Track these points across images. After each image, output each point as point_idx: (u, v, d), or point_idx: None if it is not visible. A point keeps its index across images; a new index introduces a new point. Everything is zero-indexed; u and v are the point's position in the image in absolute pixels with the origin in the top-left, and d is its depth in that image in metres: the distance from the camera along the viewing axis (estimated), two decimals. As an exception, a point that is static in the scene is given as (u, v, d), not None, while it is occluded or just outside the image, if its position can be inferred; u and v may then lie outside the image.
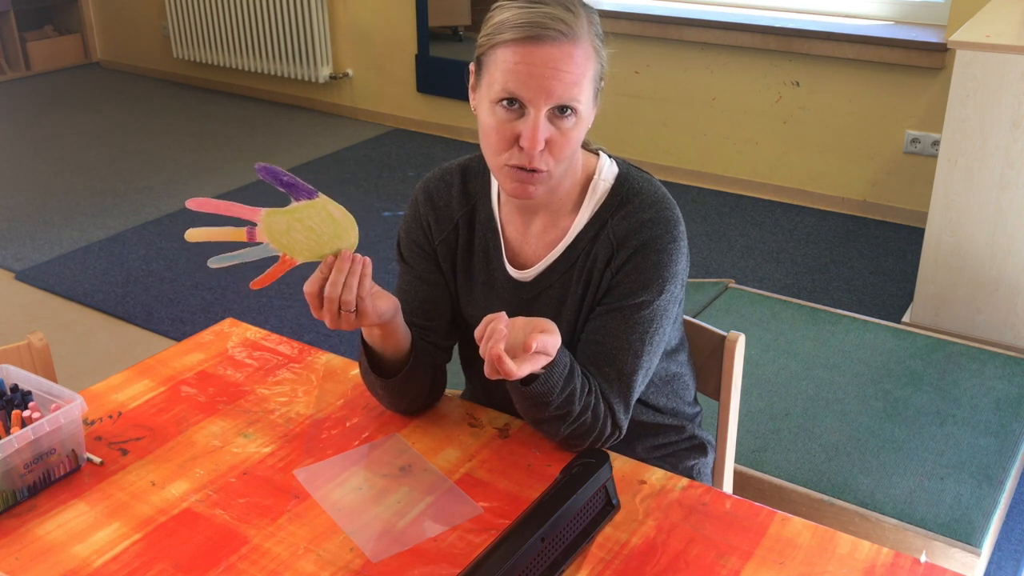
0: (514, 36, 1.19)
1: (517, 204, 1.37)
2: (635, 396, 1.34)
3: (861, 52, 3.78)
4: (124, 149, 5.02)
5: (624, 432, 1.34)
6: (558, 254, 1.36)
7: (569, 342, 1.36)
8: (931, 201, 2.88)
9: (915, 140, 3.80)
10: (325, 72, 5.33)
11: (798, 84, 3.99)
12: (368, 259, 1.21)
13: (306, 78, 5.39)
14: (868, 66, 3.80)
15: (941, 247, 2.90)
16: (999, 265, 2.83)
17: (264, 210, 1.19)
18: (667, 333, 1.36)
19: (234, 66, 5.72)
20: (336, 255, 1.20)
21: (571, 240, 1.35)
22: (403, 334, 1.34)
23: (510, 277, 1.39)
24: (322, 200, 1.19)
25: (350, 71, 5.34)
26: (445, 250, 1.43)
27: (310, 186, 1.18)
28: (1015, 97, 2.64)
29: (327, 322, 1.21)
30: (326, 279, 1.19)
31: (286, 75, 5.49)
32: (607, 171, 1.36)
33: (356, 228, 1.20)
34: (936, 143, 3.71)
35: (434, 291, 1.43)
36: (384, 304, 1.25)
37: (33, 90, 6.10)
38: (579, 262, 1.35)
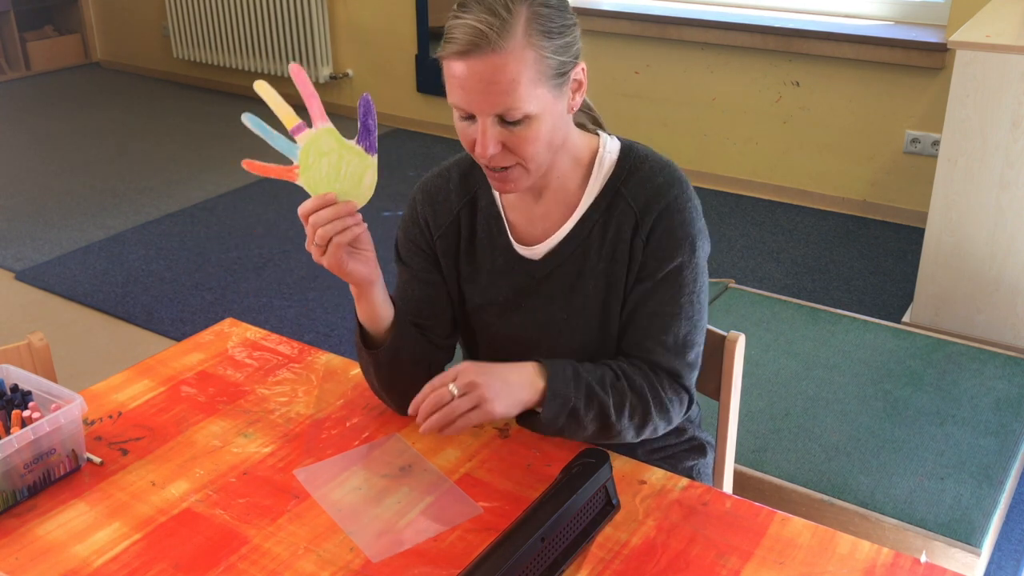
0: (445, 52, 1.21)
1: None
2: (698, 353, 1.38)
3: (861, 52, 3.78)
4: (124, 149, 5.02)
5: (694, 395, 1.40)
6: (570, 227, 1.37)
7: (588, 316, 1.37)
8: (931, 201, 2.88)
9: (915, 140, 3.80)
10: (325, 72, 5.33)
11: (798, 84, 3.99)
12: (366, 226, 1.26)
13: (306, 78, 5.39)
14: (868, 66, 3.80)
15: (941, 247, 2.90)
16: (999, 265, 2.83)
17: (328, 124, 1.22)
18: (707, 288, 1.39)
19: (234, 66, 5.72)
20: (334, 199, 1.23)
21: (583, 212, 1.36)
22: (380, 306, 1.34)
23: (519, 256, 1.39)
24: (372, 161, 1.23)
25: (350, 71, 5.34)
26: (445, 244, 1.43)
27: (376, 144, 1.23)
28: (1015, 97, 2.64)
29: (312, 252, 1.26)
30: (320, 208, 1.22)
31: (286, 75, 5.48)
32: (610, 145, 1.38)
33: (367, 199, 1.24)
34: (936, 143, 3.71)
35: (432, 290, 1.44)
36: (355, 266, 1.27)
37: (33, 90, 6.10)
38: (595, 232, 1.35)
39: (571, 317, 1.37)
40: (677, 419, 1.39)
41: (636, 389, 1.32)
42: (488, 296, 1.42)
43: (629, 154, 1.37)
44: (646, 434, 1.36)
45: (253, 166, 1.22)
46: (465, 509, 1.23)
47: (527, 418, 1.33)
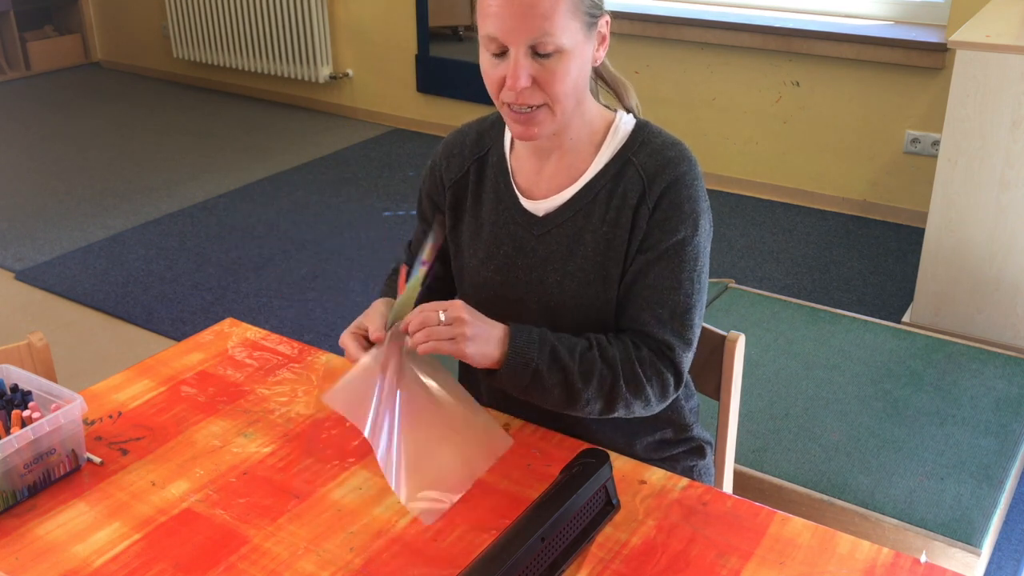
0: None
1: (529, 148, 1.41)
2: (694, 333, 1.37)
3: (861, 52, 3.78)
4: (124, 149, 5.02)
5: (684, 375, 1.37)
6: (577, 189, 1.38)
7: (583, 281, 1.37)
8: (931, 201, 2.88)
9: (915, 140, 3.80)
10: (325, 72, 5.33)
11: (798, 84, 3.99)
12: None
13: (306, 78, 5.39)
14: (868, 66, 3.80)
15: (941, 247, 2.90)
16: (999, 265, 2.83)
17: (426, 269, 1.30)
18: (708, 272, 1.40)
19: (234, 66, 5.72)
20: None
21: (592, 176, 1.38)
22: None
23: (522, 208, 1.41)
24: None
25: (350, 71, 5.34)
26: (455, 197, 1.48)
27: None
28: (1015, 97, 2.64)
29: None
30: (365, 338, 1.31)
31: (286, 75, 5.49)
32: (626, 119, 1.41)
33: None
34: (936, 143, 3.71)
35: (443, 246, 1.52)
36: None
37: (33, 90, 6.10)
38: (600, 196, 1.37)
39: (564, 280, 1.38)
40: (659, 399, 1.35)
41: (608, 360, 1.31)
42: (488, 251, 1.44)
43: (643, 128, 1.40)
44: (619, 411, 1.34)
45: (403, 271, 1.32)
46: (497, 443, 1.29)
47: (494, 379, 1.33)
